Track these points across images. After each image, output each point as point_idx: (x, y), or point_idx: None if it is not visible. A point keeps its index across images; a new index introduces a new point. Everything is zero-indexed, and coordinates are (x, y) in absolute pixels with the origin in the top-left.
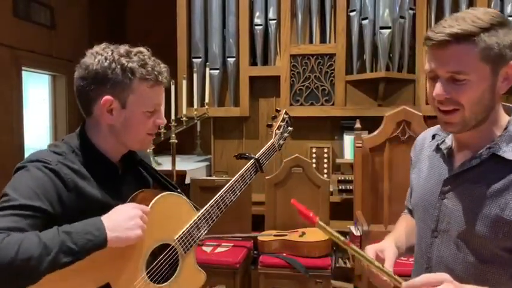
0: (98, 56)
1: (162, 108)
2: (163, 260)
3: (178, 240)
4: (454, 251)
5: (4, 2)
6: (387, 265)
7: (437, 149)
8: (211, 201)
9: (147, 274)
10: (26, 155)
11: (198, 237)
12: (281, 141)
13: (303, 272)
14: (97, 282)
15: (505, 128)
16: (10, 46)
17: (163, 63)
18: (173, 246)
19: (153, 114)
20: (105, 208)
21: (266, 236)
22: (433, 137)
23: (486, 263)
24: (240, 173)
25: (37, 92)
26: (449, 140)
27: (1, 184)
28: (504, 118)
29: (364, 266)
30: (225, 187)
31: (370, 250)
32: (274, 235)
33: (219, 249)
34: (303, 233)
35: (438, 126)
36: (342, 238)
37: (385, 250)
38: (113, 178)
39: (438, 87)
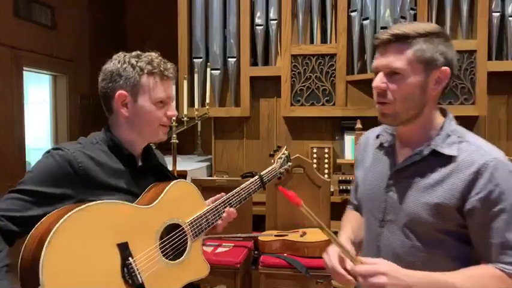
0: (113, 60)
1: (173, 102)
2: (173, 238)
3: (189, 224)
4: (401, 238)
5: (5, 2)
6: (348, 264)
7: (381, 146)
8: (219, 200)
9: (159, 245)
10: (27, 155)
11: (206, 228)
12: (281, 170)
13: (303, 272)
14: (117, 239)
15: (441, 128)
16: (11, 46)
17: (170, 63)
18: (183, 228)
19: (163, 106)
20: (117, 193)
21: (267, 236)
22: (377, 136)
23: (431, 246)
24: (246, 183)
25: (38, 92)
26: (391, 139)
27: (3, 183)
28: (440, 119)
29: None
30: (233, 191)
31: (333, 250)
32: (275, 235)
33: (220, 249)
34: (304, 233)
35: (382, 126)
36: (321, 223)
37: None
38: (132, 169)
39: (377, 79)
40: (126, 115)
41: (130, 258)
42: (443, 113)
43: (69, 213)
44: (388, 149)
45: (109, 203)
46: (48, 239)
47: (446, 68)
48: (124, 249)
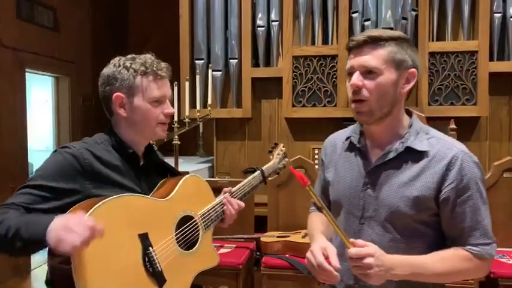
0: (110, 64)
1: (169, 101)
2: (187, 230)
3: (201, 216)
4: (381, 233)
5: (7, 4)
6: (332, 261)
7: (352, 148)
8: (225, 195)
9: (174, 236)
10: (29, 156)
11: (215, 220)
12: (280, 165)
13: (305, 273)
14: (139, 230)
15: (410, 126)
16: (13, 48)
17: (164, 63)
18: (196, 220)
19: (160, 105)
20: (122, 189)
21: (269, 237)
22: (347, 138)
23: (409, 237)
24: (248, 178)
25: (40, 94)
26: (362, 140)
27: (5, 184)
28: (407, 118)
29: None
30: (237, 185)
31: (317, 248)
32: (277, 236)
33: (222, 251)
34: (306, 234)
35: (350, 127)
36: (323, 204)
37: (327, 247)
38: (135, 168)
39: (354, 77)
40: (124, 116)
41: (150, 248)
42: (409, 113)
43: (95, 206)
44: (362, 149)
45: (128, 196)
46: None
47: (414, 69)
48: (145, 240)
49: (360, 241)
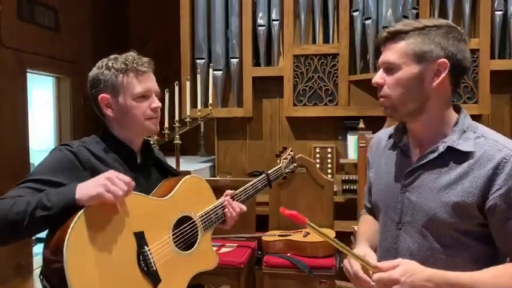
0: (95, 67)
1: (155, 94)
2: (185, 230)
3: (200, 218)
4: (419, 240)
5: (8, 5)
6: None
7: (395, 147)
8: (226, 197)
9: (172, 236)
10: (31, 156)
11: (215, 222)
12: (287, 170)
13: (307, 272)
14: (134, 228)
15: (456, 124)
16: (14, 48)
17: (146, 58)
18: (194, 221)
19: (146, 100)
20: None
21: (270, 236)
22: (390, 136)
23: (450, 248)
24: (253, 181)
25: (41, 94)
26: (405, 138)
27: (7, 184)
28: (453, 115)
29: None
30: (241, 188)
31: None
32: (278, 235)
33: (224, 250)
34: (307, 233)
35: (394, 126)
36: (330, 238)
37: (367, 255)
38: (132, 165)
39: (377, 75)
40: (113, 116)
41: (145, 247)
42: (457, 110)
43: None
44: (403, 148)
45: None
46: (73, 222)
47: (443, 60)
48: (140, 238)
49: (385, 263)
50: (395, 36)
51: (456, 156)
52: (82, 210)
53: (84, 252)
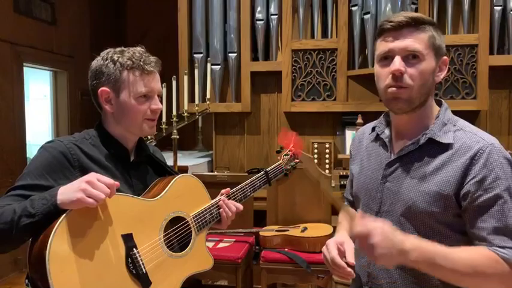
0: (99, 57)
1: (158, 95)
2: (177, 231)
3: (194, 218)
4: (397, 229)
5: None
6: (348, 256)
7: (377, 138)
8: (221, 197)
9: (163, 237)
10: (28, 150)
11: (210, 222)
12: (288, 167)
13: (304, 267)
14: (122, 230)
15: (437, 117)
16: (11, 42)
17: (154, 57)
18: (187, 221)
19: (147, 100)
20: None
21: (268, 231)
22: (373, 129)
23: (427, 237)
24: (251, 179)
25: (38, 88)
26: (387, 131)
27: (4, 179)
28: (435, 109)
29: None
30: (238, 186)
31: (332, 243)
32: (276, 230)
33: (221, 245)
34: (305, 228)
35: (378, 120)
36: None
37: (345, 243)
38: (124, 163)
39: (397, 62)
40: (111, 111)
41: (134, 249)
42: (438, 103)
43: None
44: (385, 140)
45: (115, 194)
46: (54, 228)
47: (446, 57)
48: (129, 240)
49: (368, 219)
50: (417, 24)
51: (436, 147)
52: (64, 215)
53: (68, 259)
